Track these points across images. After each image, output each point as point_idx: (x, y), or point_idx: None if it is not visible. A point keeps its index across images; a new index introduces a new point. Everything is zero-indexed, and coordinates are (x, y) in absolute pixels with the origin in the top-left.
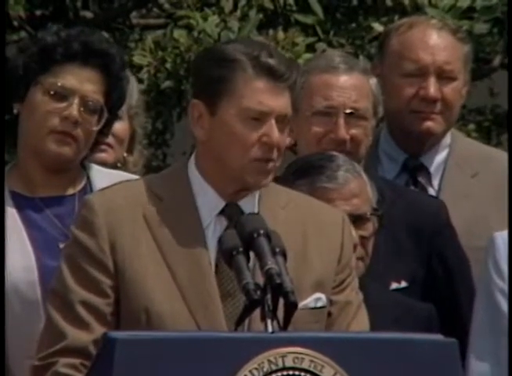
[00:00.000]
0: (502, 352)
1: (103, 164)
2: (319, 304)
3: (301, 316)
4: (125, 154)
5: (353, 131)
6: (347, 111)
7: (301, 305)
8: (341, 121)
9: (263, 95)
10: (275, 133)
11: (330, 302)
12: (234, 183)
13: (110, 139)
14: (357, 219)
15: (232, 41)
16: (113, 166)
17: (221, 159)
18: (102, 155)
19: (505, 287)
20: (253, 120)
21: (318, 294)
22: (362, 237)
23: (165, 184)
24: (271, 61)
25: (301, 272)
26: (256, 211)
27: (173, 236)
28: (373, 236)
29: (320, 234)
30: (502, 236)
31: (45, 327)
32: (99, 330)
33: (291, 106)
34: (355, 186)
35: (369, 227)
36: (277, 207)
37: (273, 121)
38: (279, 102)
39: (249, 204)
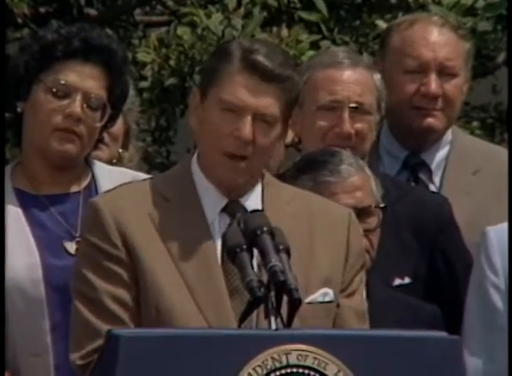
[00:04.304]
0: (496, 348)
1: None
2: (327, 298)
3: (310, 310)
4: (120, 150)
5: (358, 125)
6: (352, 105)
7: (308, 299)
8: (346, 115)
9: (241, 90)
10: (247, 129)
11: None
12: (212, 179)
13: (104, 137)
14: (361, 212)
15: (249, 39)
16: (109, 163)
17: (201, 151)
18: (96, 153)
19: (498, 281)
20: (229, 113)
21: (325, 289)
22: (366, 230)
23: (170, 184)
24: (261, 58)
25: (307, 268)
26: (260, 207)
27: (180, 236)
28: (378, 230)
29: (326, 230)
30: (494, 231)
31: (79, 328)
32: (130, 322)
33: (284, 107)
34: (357, 179)
35: (374, 220)
36: (282, 202)
37: (248, 118)
38: (258, 100)
39: (252, 200)
